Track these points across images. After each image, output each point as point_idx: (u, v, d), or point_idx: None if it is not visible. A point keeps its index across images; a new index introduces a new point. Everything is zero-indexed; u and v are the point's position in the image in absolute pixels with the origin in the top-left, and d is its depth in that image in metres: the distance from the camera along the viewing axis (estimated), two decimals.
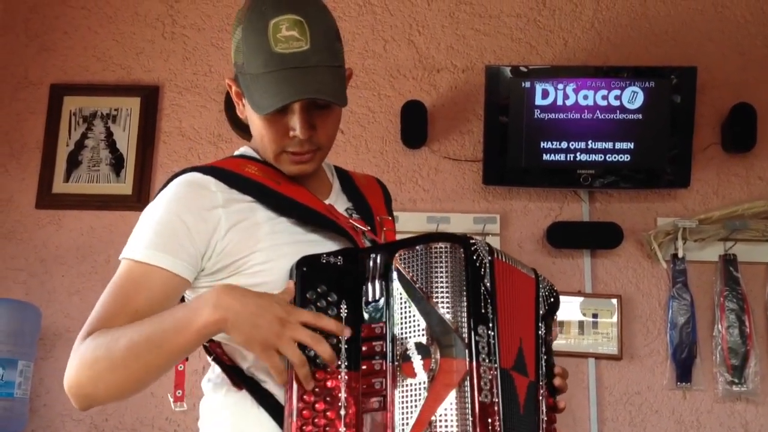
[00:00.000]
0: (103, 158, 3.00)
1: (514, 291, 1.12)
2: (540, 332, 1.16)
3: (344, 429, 1.02)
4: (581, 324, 2.80)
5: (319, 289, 1.07)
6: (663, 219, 2.87)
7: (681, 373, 2.73)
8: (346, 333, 1.05)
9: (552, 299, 1.22)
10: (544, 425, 1.11)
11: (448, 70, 3.04)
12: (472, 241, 1.07)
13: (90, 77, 3.08)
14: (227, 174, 1.17)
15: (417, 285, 1.04)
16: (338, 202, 1.29)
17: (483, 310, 1.04)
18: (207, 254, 1.12)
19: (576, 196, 2.92)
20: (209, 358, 1.21)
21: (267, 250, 1.12)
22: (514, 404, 1.05)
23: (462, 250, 1.05)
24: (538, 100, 2.85)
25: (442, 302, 1.02)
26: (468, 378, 0.99)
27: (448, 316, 1.02)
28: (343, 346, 1.06)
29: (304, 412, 1.02)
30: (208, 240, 1.12)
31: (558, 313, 2.87)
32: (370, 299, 1.07)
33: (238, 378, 1.15)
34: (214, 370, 1.21)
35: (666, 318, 2.79)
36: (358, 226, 1.23)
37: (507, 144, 2.85)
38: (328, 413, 1.02)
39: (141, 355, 1.03)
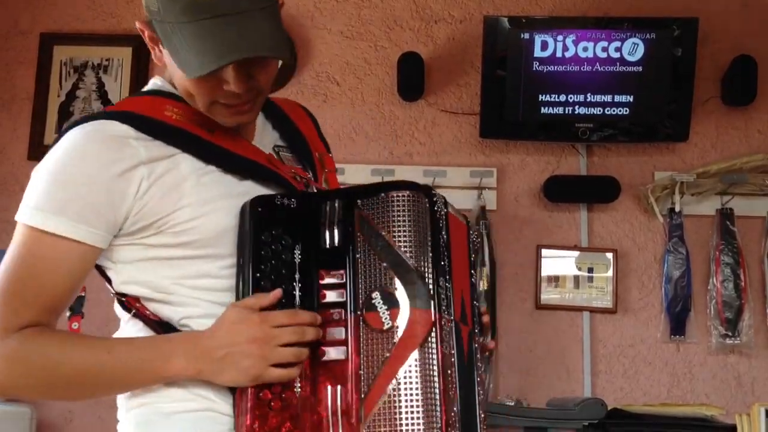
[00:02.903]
0: (95, 110, 2.96)
1: (459, 242, 1.10)
2: (473, 279, 1.14)
3: (299, 381, 0.99)
4: (576, 278, 2.81)
5: (273, 231, 1.01)
6: (660, 173, 2.85)
7: (675, 326, 2.75)
8: (318, 320, 1.00)
9: (477, 244, 1.20)
10: (479, 371, 1.10)
11: (446, 21, 2.98)
12: (433, 192, 1.05)
13: (80, 26, 3.02)
14: (148, 122, 1.03)
15: (382, 233, 1.00)
16: (264, 138, 1.15)
17: (442, 262, 1.02)
18: (125, 216, 1.01)
19: (573, 149, 2.90)
20: (126, 315, 1.07)
21: (193, 205, 1.01)
22: (461, 354, 1.04)
23: (426, 200, 1.03)
24: (537, 52, 2.80)
25: (407, 252, 0.99)
26: (434, 329, 0.98)
27: (413, 266, 0.99)
28: (297, 294, 1.01)
29: None
30: (130, 202, 1.00)
31: (554, 267, 2.86)
32: (327, 245, 1.03)
33: (168, 333, 1.04)
34: (135, 325, 1.06)
35: (661, 272, 2.80)
36: (300, 175, 1.14)
37: (505, 97, 2.81)
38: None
39: (87, 386, 0.99)
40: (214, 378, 0.98)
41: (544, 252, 2.82)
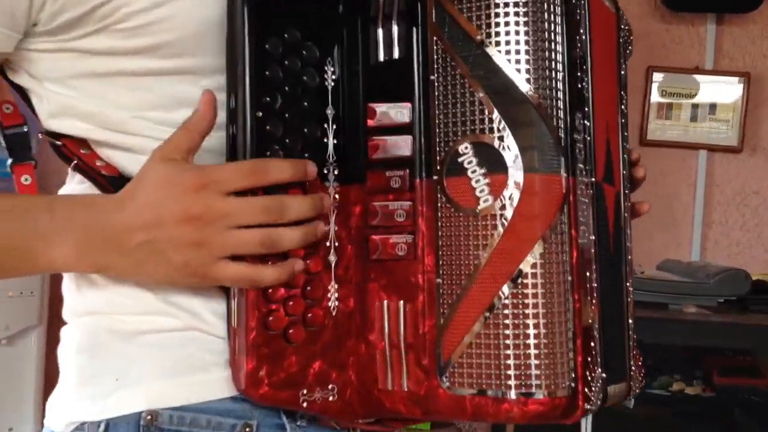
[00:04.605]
0: None
1: (605, 46, 0.72)
2: (623, 105, 0.76)
3: (335, 285, 0.64)
4: (695, 108, 2.44)
5: (286, 35, 0.63)
6: None
7: None
8: (311, 171, 0.63)
9: (629, 47, 0.80)
10: (629, 253, 0.76)
11: None
12: None
13: None
14: None
15: (476, 36, 0.61)
16: None
17: (580, 84, 0.64)
18: (35, 2, 0.64)
19: None
20: (69, 166, 0.76)
21: None
22: (605, 237, 0.69)
23: None
24: None
25: (521, 70, 0.61)
26: (565, 206, 0.62)
27: (531, 94, 0.61)
28: (330, 142, 0.65)
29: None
30: None
31: (667, 94, 2.39)
32: (380, 57, 0.65)
33: None
34: (81, 183, 0.74)
35: None
36: None
37: None
38: (308, 261, 0.63)
39: None
40: (126, 277, 0.64)
41: (656, 75, 2.44)
